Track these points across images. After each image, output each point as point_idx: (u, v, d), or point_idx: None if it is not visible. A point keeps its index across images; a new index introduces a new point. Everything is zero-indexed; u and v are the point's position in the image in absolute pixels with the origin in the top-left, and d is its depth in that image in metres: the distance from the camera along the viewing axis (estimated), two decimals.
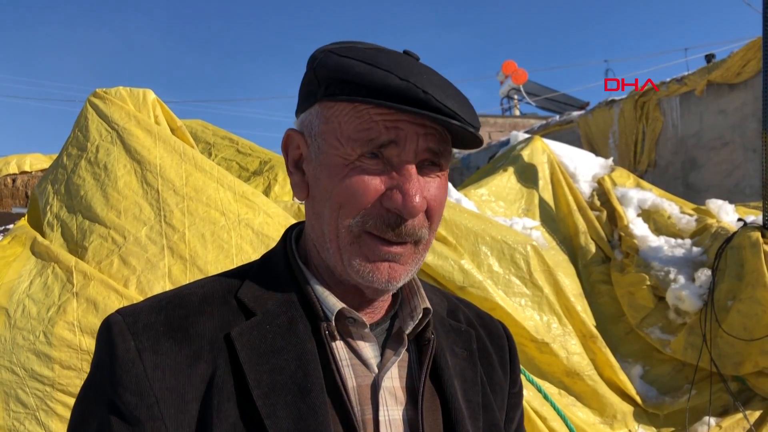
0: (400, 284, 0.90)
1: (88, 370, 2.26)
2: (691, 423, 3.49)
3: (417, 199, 0.84)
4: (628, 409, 3.58)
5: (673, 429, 3.56)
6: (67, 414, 2.24)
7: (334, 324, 0.89)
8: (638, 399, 3.61)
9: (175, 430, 0.81)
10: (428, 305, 0.95)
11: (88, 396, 0.86)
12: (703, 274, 3.72)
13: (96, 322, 2.30)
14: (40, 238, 2.58)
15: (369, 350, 0.92)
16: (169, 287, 2.43)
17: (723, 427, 3.43)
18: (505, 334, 1.13)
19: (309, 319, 0.90)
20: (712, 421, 3.45)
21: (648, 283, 3.89)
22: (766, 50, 3.82)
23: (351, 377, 0.89)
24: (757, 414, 3.49)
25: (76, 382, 2.25)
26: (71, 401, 2.25)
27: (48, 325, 2.29)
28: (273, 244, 2.74)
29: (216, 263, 2.51)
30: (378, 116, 0.84)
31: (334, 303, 0.90)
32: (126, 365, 0.82)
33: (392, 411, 0.89)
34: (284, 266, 0.96)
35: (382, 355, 0.93)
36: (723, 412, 3.55)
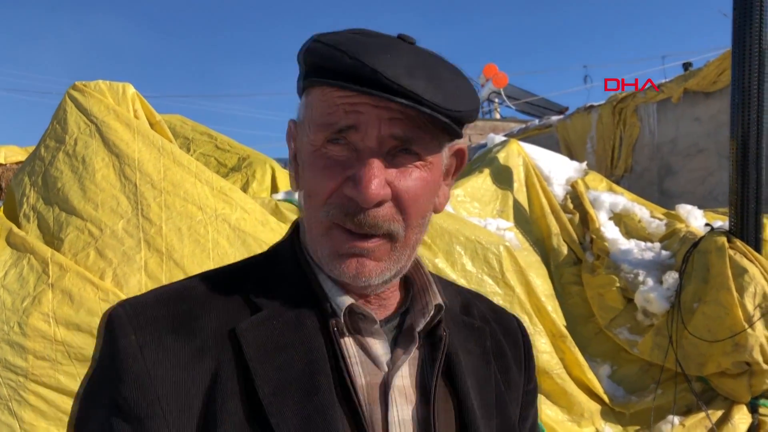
0: (376, 281, 0.85)
1: (62, 361, 2.28)
2: (656, 422, 3.58)
3: (373, 186, 0.78)
4: (596, 407, 3.65)
5: (638, 428, 3.64)
6: (41, 404, 2.25)
7: (343, 320, 0.86)
8: (605, 398, 3.68)
9: (177, 428, 0.78)
10: (440, 301, 0.91)
11: (89, 392, 0.83)
12: (671, 277, 3.80)
13: (71, 314, 2.32)
14: (15, 229, 2.58)
15: (379, 347, 0.88)
16: (145, 280, 2.45)
17: (686, 426, 3.52)
18: (520, 329, 1.09)
19: (317, 315, 0.86)
20: (676, 420, 3.54)
21: (617, 284, 3.96)
22: (736, 60, 3.93)
23: (360, 375, 0.85)
24: (719, 413, 3.58)
25: (50, 372, 2.27)
26: (45, 392, 2.27)
27: (23, 316, 2.30)
28: (250, 240, 2.79)
29: (192, 257, 2.54)
30: (339, 99, 0.80)
31: (343, 298, 0.86)
32: (127, 361, 0.79)
33: (402, 410, 0.86)
34: (291, 259, 0.92)
35: (392, 352, 0.89)
36: (687, 411, 3.64)
